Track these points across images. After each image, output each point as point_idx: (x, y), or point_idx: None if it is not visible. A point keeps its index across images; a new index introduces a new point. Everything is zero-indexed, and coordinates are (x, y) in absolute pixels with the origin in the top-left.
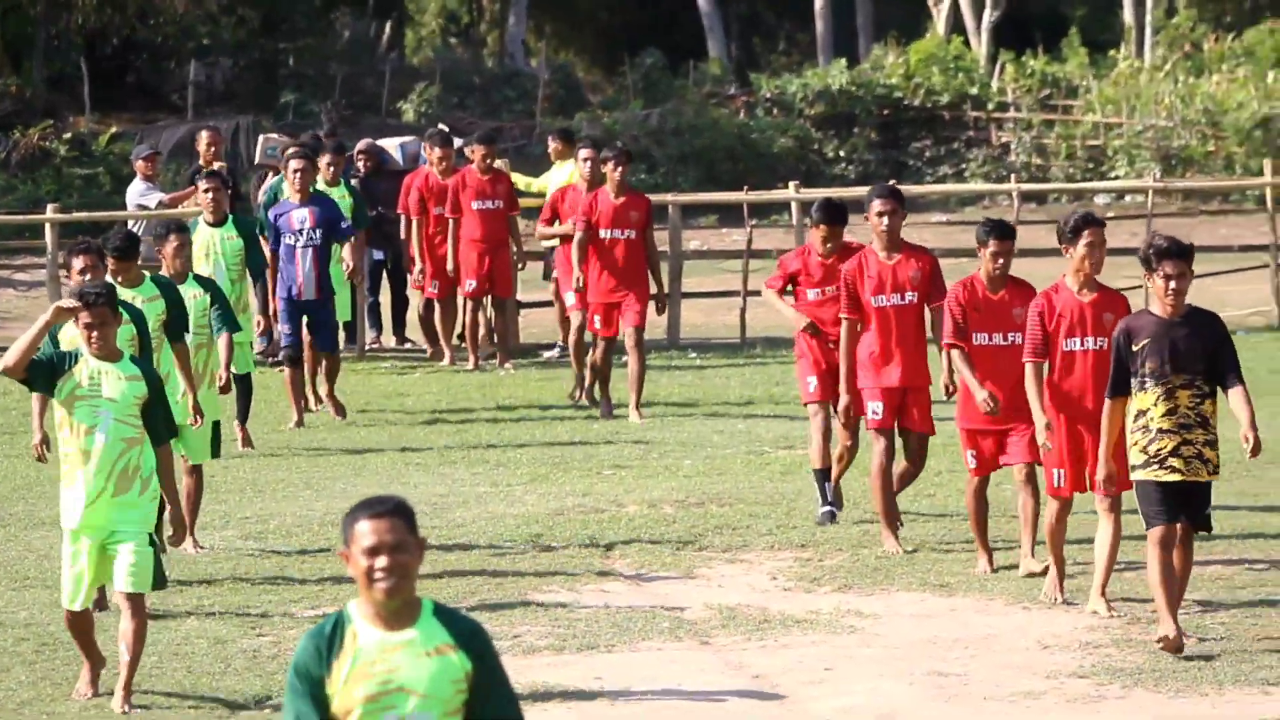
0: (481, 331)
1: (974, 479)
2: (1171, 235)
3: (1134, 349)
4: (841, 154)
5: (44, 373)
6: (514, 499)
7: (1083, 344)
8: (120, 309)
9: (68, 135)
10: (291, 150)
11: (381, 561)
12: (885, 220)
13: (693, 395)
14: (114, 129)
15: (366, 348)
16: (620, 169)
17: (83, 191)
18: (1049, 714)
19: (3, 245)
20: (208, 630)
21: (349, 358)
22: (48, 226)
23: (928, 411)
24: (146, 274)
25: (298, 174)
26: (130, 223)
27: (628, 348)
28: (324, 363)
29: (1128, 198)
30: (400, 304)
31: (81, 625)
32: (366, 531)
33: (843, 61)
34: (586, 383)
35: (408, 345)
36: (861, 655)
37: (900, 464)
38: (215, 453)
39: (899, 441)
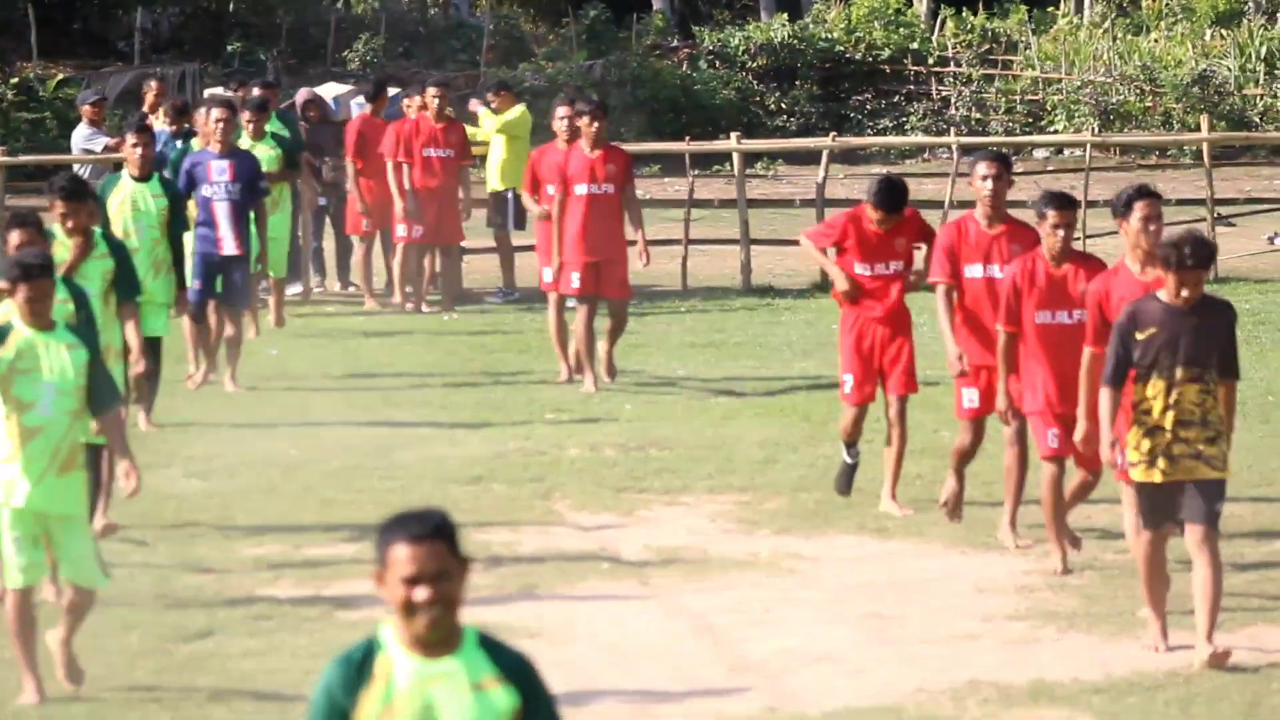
0: (425, 277)
1: (1052, 468)
2: (1197, 236)
3: (1138, 337)
4: (783, 106)
5: None
6: (456, 441)
7: None
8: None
9: (14, 80)
10: (212, 98)
11: (422, 593)
12: (990, 185)
13: (634, 341)
14: (61, 75)
15: (311, 292)
16: (597, 123)
17: (29, 136)
18: (985, 656)
19: None
20: (150, 566)
21: (294, 300)
22: None
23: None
24: (96, 229)
25: (220, 124)
26: (76, 168)
27: (610, 312)
28: (229, 328)
29: (1066, 152)
30: (344, 249)
31: (26, 612)
32: (405, 558)
33: (784, 15)
34: (575, 361)
35: (351, 289)
36: (800, 597)
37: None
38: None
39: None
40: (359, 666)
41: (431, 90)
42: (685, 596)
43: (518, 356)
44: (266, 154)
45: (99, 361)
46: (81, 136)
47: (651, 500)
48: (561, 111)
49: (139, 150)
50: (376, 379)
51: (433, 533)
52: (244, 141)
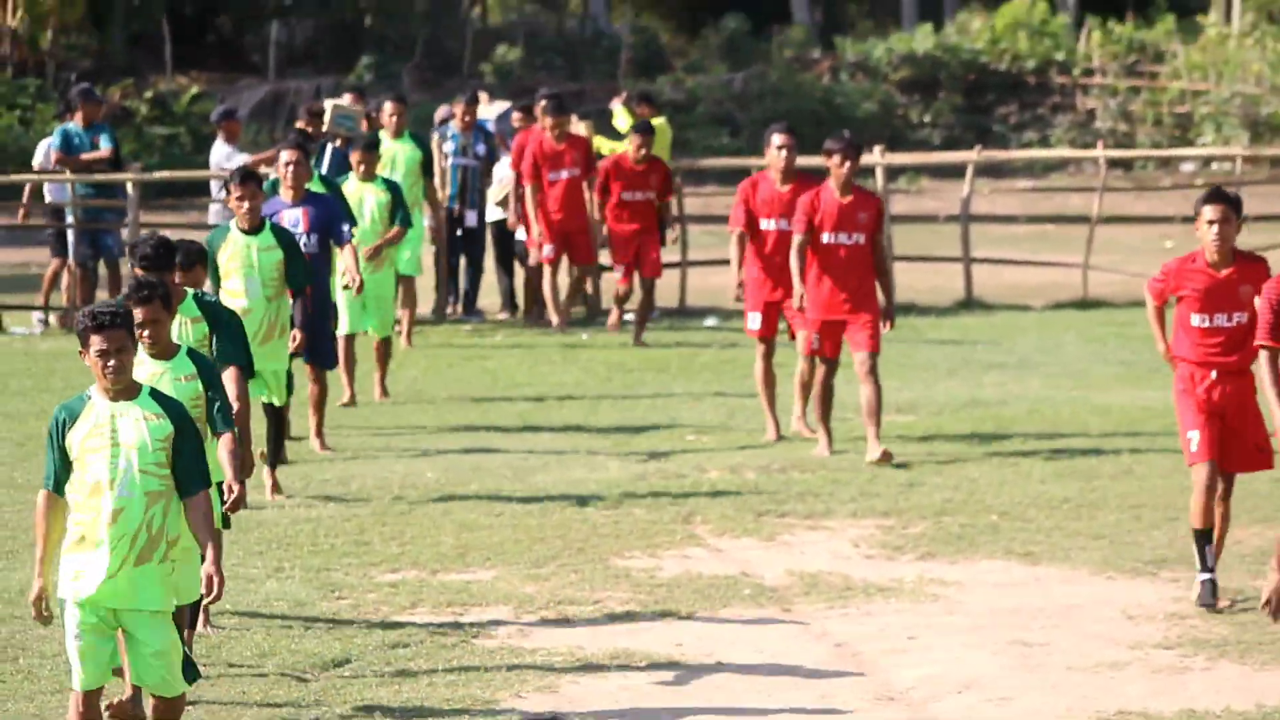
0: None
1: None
2: None
3: None
4: (926, 119)
5: (64, 464)
6: (594, 463)
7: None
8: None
9: (149, 94)
10: (287, 140)
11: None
12: (1216, 230)
13: (777, 360)
14: (195, 89)
15: (447, 314)
16: (849, 164)
17: (163, 151)
18: (1133, 685)
19: (85, 205)
20: (287, 593)
21: (428, 319)
22: (129, 185)
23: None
24: (189, 290)
25: (290, 168)
26: (215, 187)
27: (860, 375)
28: (311, 387)
29: (1215, 165)
30: (475, 273)
31: (88, 715)
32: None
33: (928, 26)
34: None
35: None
36: (944, 624)
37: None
38: (225, 523)
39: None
40: None
41: (636, 138)
42: (828, 622)
43: (656, 376)
44: (412, 154)
45: (190, 436)
46: (222, 155)
47: (793, 524)
48: (779, 141)
49: (245, 203)
50: (513, 400)
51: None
52: (350, 185)
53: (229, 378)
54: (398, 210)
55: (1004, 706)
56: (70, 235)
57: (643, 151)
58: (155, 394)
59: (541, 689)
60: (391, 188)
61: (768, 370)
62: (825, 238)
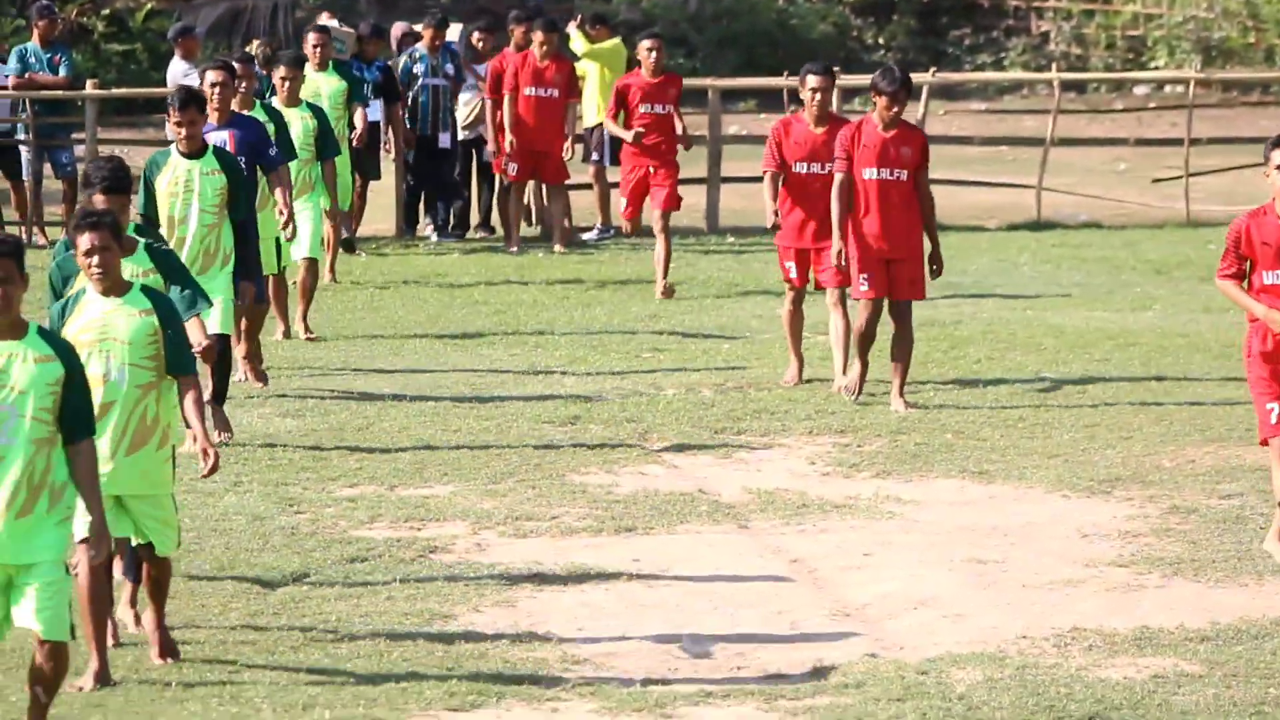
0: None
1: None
2: None
3: None
4: (880, 41)
5: None
6: (552, 381)
7: None
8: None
9: (105, 11)
10: (211, 63)
11: None
12: None
13: (731, 280)
14: (150, 5)
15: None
16: (896, 107)
17: (120, 68)
18: (1087, 602)
19: (42, 123)
20: (245, 507)
21: (388, 236)
22: (87, 103)
23: None
24: (140, 240)
25: (215, 89)
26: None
27: (893, 318)
28: (243, 318)
29: (1168, 88)
30: (450, 195)
31: None
32: None
33: None
34: (858, 372)
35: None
36: (900, 541)
37: None
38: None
39: None
40: None
41: (645, 44)
42: (784, 539)
43: (613, 295)
44: (337, 87)
45: (80, 380)
46: (179, 72)
47: (750, 441)
48: (814, 84)
49: (183, 130)
50: (470, 316)
51: None
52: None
53: (193, 326)
54: (325, 138)
55: (959, 623)
56: (25, 153)
57: (653, 56)
58: (44, 333)
59: (499, 604)
60: (318, 114)
61: (795, 315)
62: (866, 173)
